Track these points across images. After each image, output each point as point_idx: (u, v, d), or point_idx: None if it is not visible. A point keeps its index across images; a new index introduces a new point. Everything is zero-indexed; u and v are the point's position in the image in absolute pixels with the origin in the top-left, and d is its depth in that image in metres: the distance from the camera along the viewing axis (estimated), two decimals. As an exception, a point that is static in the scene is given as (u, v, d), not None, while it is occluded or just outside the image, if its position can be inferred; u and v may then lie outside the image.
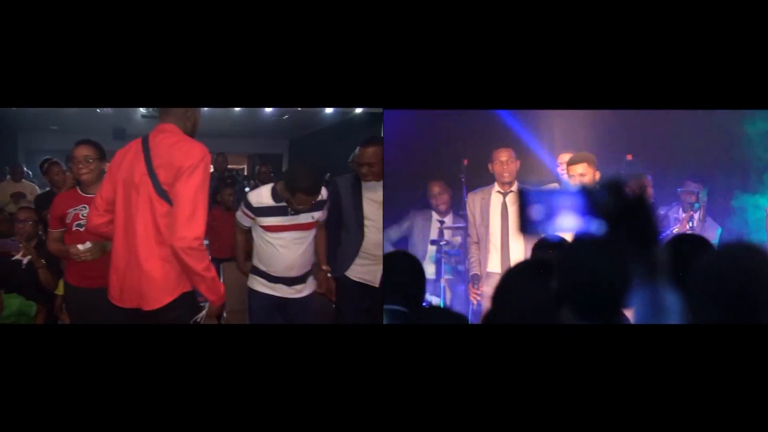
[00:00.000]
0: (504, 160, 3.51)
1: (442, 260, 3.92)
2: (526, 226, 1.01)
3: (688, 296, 1.52)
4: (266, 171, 6.64)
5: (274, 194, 2.86)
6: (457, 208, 3.96)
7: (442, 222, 4.06)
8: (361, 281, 3.09)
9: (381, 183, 3.05)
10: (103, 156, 2.83)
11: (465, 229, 3.81)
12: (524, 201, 1.01)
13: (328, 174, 6.15)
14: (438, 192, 4.07)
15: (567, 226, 1.01)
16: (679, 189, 3.87)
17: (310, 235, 2.93)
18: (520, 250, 3.40)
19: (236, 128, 9.78)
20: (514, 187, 3.55)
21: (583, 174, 3.24)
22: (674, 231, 3.77)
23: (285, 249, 2.87)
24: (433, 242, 4.04)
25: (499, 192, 3.56)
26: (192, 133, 2.33)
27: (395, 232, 4.10)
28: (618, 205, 0.99)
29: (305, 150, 10.61)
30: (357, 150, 3.06)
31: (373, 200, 3.06)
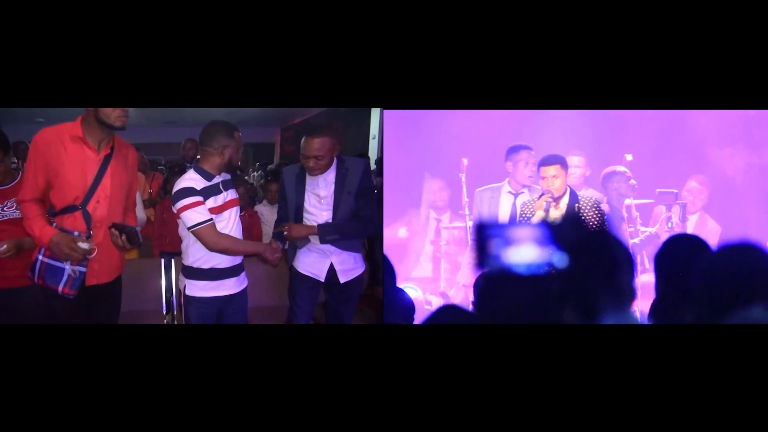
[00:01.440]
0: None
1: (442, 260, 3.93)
2: (484, 260, 1.00)
3: (687, 296, 1.52)
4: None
5: (203, 173, 2.53)
6: (457, 207, 3.95)
7: (439, 221, 4.06)
8: (308, 274, 2.92)
9: (328, 177, 2.82)
10: (7, 149, 2.60)
11: (464, 228, 3.78)
12: (482, 234, 0.99)
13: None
14: (437, 189, 4.08)
15: (527, 257, 0.99)
16: (657, 190, 3.86)
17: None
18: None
19: (222, 118, 9.71)
20: (525, 188, 3.42)
21: (556, 176, 3.11)
22: (652, 231, 3.77)
23: (231, 232, 2.59)
24: (432, 242, 4.05)
25: (510, 192, 3.43)
26: (105, 123, 2.29)
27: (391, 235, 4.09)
28: (580, 236, 0.97)
29: (297, 138, 10.53)
30: (303, 140, 2.78)
31: (317, 195, 2.84)
